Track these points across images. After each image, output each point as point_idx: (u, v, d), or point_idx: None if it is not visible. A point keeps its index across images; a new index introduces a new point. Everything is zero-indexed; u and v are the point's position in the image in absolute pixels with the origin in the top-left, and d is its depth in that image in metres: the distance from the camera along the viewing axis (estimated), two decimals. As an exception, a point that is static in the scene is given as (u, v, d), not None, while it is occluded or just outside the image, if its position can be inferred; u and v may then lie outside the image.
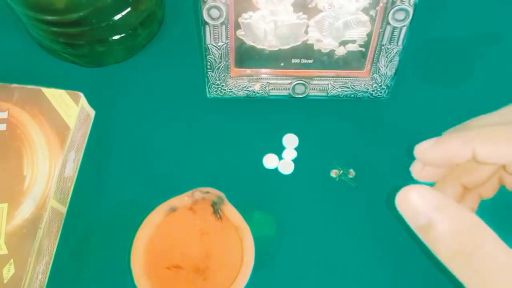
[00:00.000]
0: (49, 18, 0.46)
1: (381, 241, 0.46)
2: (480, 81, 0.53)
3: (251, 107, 0.51)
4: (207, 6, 0.43)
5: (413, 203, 0.25)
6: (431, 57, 0.54)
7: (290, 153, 0.49)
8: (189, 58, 0.53)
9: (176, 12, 0.56)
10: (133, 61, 0.53)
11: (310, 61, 0.48)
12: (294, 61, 0.48)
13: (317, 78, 0.49)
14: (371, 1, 0.44)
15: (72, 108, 0.46)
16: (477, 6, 0.56)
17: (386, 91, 0.50)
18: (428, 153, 0.28)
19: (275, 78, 0.49)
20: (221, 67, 0.48)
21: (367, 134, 0.50)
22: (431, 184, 0.33)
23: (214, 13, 0.43)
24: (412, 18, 0.44)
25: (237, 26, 0.45)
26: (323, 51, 0.47)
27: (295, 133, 0.50)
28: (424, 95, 0.52)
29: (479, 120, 0.29)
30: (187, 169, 0.49)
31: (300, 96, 0.50)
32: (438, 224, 0.24)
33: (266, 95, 0.50)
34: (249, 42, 0.47)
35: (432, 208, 0.25)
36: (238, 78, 0.49)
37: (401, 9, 0.43)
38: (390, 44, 0.46)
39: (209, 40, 0.45)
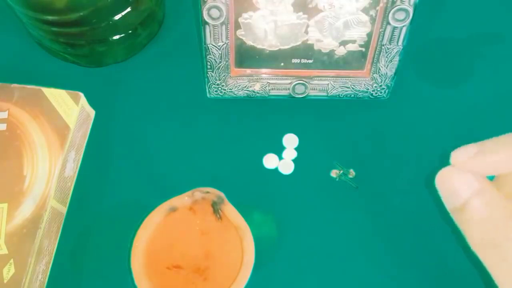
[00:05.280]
0: (49, 18, 0.46)
1: (381, 241, 0.46)
2: (480, 81, 0.53)
3: (251, 107, 0.51)
4: (207, 6, 0.43)
5: (453, 184, 0.25)
6: (431, 57, 0.54)
7: (290, 153, 0.49)
8: (189, 58, 0.53)
9: (176, 12, 0.56)
10: (133, 61, 0.53)
11: (310, 61, 0.48)
12: (294, 61, 0.48)
13: (317, 78, 0.49)
14: (371, 1, 0.44)
15: (72, 108, 0.46)
16: (477, 6, 0.56)
17: (386, 91, 0.50)
18: (471, 164, 0.26)
19: (275, 78, 0.49)
20: (221, 67, 0.47)
21: (367, 134, 0.50)
22: None
23: (214, 13, 0.43)
24: (412, 18, 0.44)
25: (237, 26, 0.45)
26: (323, 51, 0.47)
27: (295, 133, 0.50)
28: (424, 95, 0.52)
29: None
30: (187, 169, 0.49)
31: (300, 96, 0.50)
32: (474, 208, 0.24)
33: (266, 95, 0.50)
34: (249, 42, 0.47)
35: (472, 191, 0.25)
36: (238, 78, 0.49)
37: (401, 9, 0.43)
38: (390, 44, 0.46)
39: (209, 40, 0.45)
